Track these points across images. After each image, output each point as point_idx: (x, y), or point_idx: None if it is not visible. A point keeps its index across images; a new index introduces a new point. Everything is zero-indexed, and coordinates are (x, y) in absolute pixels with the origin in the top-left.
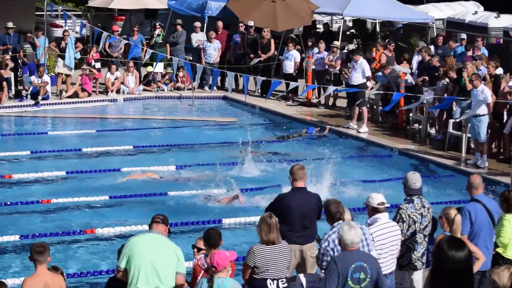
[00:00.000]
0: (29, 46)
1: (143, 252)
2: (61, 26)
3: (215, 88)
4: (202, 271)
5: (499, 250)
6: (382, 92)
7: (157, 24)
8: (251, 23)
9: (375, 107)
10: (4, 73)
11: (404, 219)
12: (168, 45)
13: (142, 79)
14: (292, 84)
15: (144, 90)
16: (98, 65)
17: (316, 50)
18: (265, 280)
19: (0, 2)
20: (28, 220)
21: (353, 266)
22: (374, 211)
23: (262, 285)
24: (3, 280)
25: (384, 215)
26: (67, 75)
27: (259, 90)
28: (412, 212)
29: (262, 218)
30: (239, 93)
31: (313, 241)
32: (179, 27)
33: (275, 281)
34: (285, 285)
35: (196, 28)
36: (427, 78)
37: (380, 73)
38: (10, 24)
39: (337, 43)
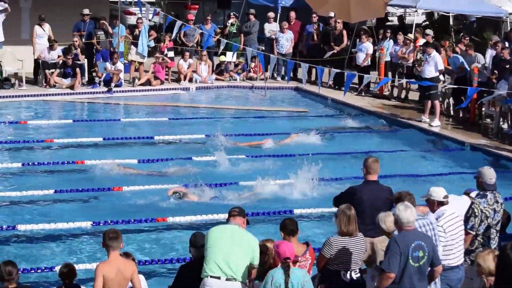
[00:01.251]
0: (102, 33)
1: (218, 242)
2: (135, 14)
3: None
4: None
5: None
6: (454, 86)
7: (231, 13)
8: (331, 14)
9: (447, 101)
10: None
11: (477, 213)
12: (242, 35)
13: (214, 68)
14: (366, 78)
15: (216, 79)
16: (171, 54)
17: (391, 42)
18: (339, 271)
19: None
20: (99, 206)
21: (413, 245)
22: (439, 204)
23: (336, 276)
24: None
25: (449, 206)
26: (140, 63)
27: (332, 82)
28: (485, 207)
29: (341, 210)
30: (311, 84)
31: None
32: (252, 17)
33: (349, 272)
34: (358, 275)
35: (270, 18)
36: (496, 72)
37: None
38: (86, 11)
39: (410, 36)
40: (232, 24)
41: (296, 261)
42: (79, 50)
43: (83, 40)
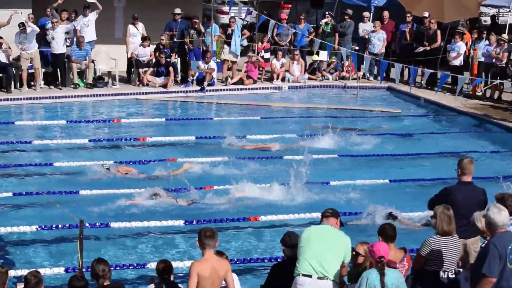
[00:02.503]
0: (195, 32)
1: (311, 241)
2: (227, 13)
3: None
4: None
5: None
6: None
7: (326, 13)
8: (425, 14)
9: None
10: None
11: None
12: (336, 34)
13: (307, 68)
14: (461, 79)
15: (309, 78)
16: (267, 55)
17: (485, 42)
18: (437, 272)
19: None
20: (192, 205)
21: (510, 247)
22: None
23: (434, 276)
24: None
25: None
26: (233, 62)
27: (425, 82)
28: None
29: (440, 210)
30: (404, 84)
31: (478, 236)
32: (347, 17)
33: (446, 272)
34: (453, 276)
35: (365, 18)
36: None
37: None
38: (178, 11)
39: (505, 36)
40: (326, 24)
41: (394, 267)
42: (168, 49)
43: (175, 39)
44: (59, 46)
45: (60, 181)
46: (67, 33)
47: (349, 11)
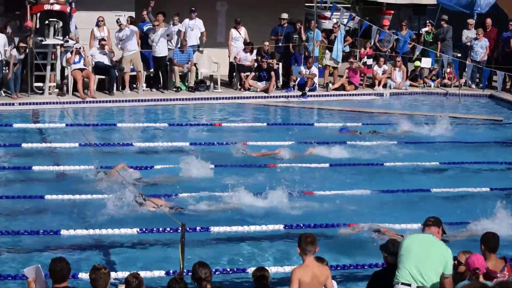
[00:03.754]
0: (297, 36)
1: (411, 250)
2: (329, 18)
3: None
4: None
5: None
6: None
7: (427, 22)
8: None
9: None
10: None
11: None
12: (439, 42)
13: (409, 74)
14: None
15: (410, 85)
16: (370, 61)
17: None
18: None
19: None
20: (290, 210)
21: None
22: None
23: None
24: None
25: None
26: (335, 68)
27: None
28: None
29: None
30: (506, 92)
31: None
32: (444, 23)
33: None
34: None
35: (469, 25)
36: None
37: None
38: (285, 15)
39: None
40: (427, 33)
41: (495, 276)
42: (268, 54)
43: (280, 43)
44: (160, 49)
45: (161, 184)
46: (167, 35)
47: (445, 17)
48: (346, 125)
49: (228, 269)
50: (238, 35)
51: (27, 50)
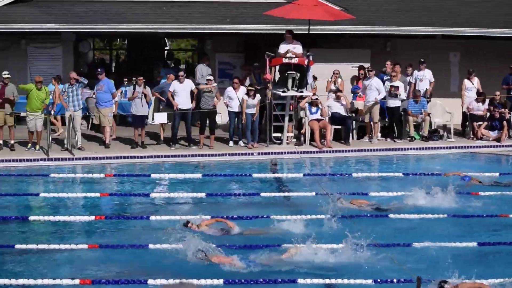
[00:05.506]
0: None
1: None
2: None
3: None
4: None
5: None
6: None
7: None
8: None
9: None
10: None
11: None
12: None
13: None
14: None
15: None
16: None
17: None
18: None
19: None
20: None
21: None
22: None
23: None
24: None
25: None
26: None
27: None
28: None
29: None
30: None
31: None
32: None
33: None
34: None
35: None
36: None
37: None
38: None
39: None
40: None
41: None
42: (500, 104)
43: (511, 93)
44: (394, 99)
45: (396, 232)
46: (393, 86)
47: None
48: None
49: None
50: (471, 85)
51: (266, 101)
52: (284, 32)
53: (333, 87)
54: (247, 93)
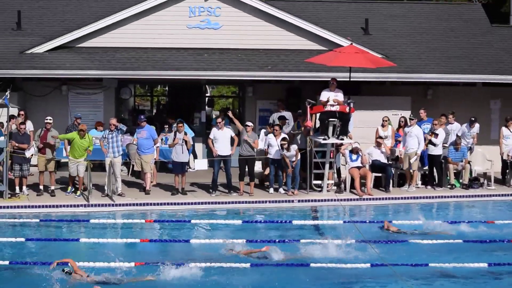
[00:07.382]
0: None
1: None
2: None
3: None
4: None
5: None
6: None
7: None
8: None
9: None
10: None
11: None
12: None
13: None
14: None
15: None
16: None
17: None
18: None
19: None
20: None
21: None
22: None
23: None
24: None
25: None
26: None
27: None
28: None
29: None
30: None
31: None
32: None
33: None
34: None
35: None
36: None
37: None
38: None
39: None
40: None
41: None
42: None
43: None
44: (437, 147)
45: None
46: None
47: None
48: None
49: None
50: (509, 133)
51: (307, 148)
52: (329, 79)
53: (382, 133)
54: (281, 147)
